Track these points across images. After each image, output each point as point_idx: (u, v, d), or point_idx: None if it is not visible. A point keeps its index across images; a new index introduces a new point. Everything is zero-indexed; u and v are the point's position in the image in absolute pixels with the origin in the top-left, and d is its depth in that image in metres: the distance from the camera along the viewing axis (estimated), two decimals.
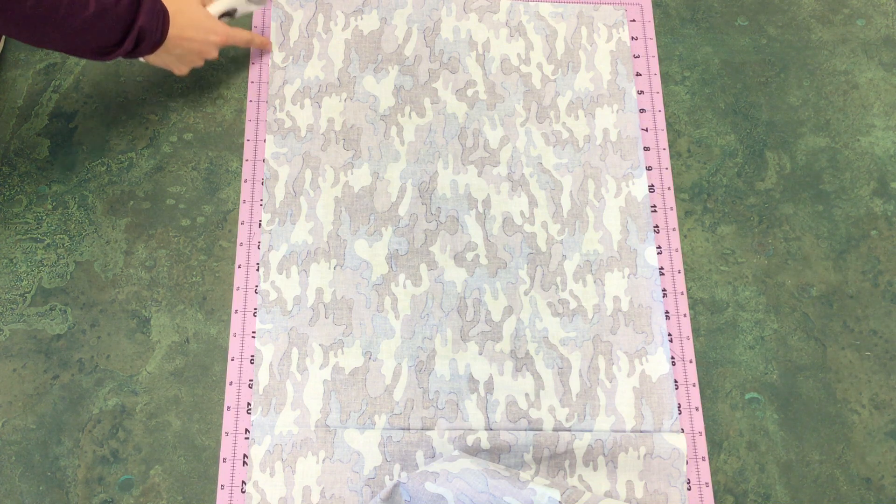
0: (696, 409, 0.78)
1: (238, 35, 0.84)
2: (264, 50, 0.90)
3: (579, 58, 0.92)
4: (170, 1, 0.77)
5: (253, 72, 0.89)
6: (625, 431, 0.76)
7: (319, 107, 0.87)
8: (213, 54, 0.83)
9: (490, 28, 0.92)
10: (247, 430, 0.75)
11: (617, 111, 0.89)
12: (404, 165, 0.85)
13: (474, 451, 0.74)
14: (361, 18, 0.92)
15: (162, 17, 0.75)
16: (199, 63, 0.83)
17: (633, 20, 0.95)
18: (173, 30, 0.77)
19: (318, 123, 0.87)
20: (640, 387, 0.78)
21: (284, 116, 0.87)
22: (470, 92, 0.89)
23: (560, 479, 0.74)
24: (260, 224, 0.83)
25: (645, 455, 0.75)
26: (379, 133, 0.87)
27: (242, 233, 0.82)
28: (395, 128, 0.87)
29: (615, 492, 0.74)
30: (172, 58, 0.80)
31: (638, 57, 0.93)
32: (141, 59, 0.79)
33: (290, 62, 0.89)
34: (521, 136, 0.87)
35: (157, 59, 0.79)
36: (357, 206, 0.83)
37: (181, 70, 0.82)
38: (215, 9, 0.83)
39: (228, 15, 0.85)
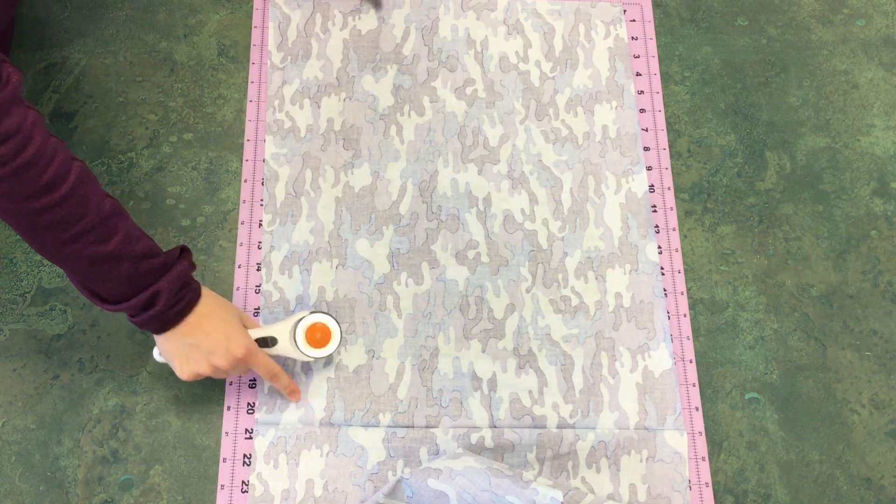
0: (696, 409, 0.78)
1: (261, 361, 0.71)
2: (292, 398, 0.76)
3: (577, 55, 0.92)
4: (207, 293, 0.69)
5: (253, 72, 0.89)
6: (628, 428, 0.76)
7: (319, 107, 0.87)
8: (223, 366, 0.68)
9: (488, 26, 0.92)
10: (247, 430, 0.75)
11: (616, 108, 0.89)
12: (404, 164, 0.85)
13: (478, 450, 0.74)
14: (359, 18, 0.92)
15: (187, 290, 0.66)
16: (206, 371, 0.69)
17: (633, 20, 0.95)
18: (195, 314, 0.67)
19: (317, 123, 0.87)
20: (643, 382, 0.78)
21: (284, 117, 0.87)
22: (469, 90, 0.89)
23: (563, 480, 0.74)
24: (260, 224, 0.82)
25: (647, 458, 0.75)
26: (378, 132, 0.87)
27: (242, 233, 0.82)
28: (394, 127, 0.87)
29: (618, 494, 0.74)
30: (181, 348, 0.68)
31: (638, 57, 0.93)
32: (156, 347, 0.71)
33: (289, 62, 0.89)
34: (520, 134, 0.87)
35: (166, 343, 0.68)
36: (358, 206, 0.83)
37: (183, 370, 0.69)
38: (255, 333, 0.73)
39: (264, 344, 0.74)
